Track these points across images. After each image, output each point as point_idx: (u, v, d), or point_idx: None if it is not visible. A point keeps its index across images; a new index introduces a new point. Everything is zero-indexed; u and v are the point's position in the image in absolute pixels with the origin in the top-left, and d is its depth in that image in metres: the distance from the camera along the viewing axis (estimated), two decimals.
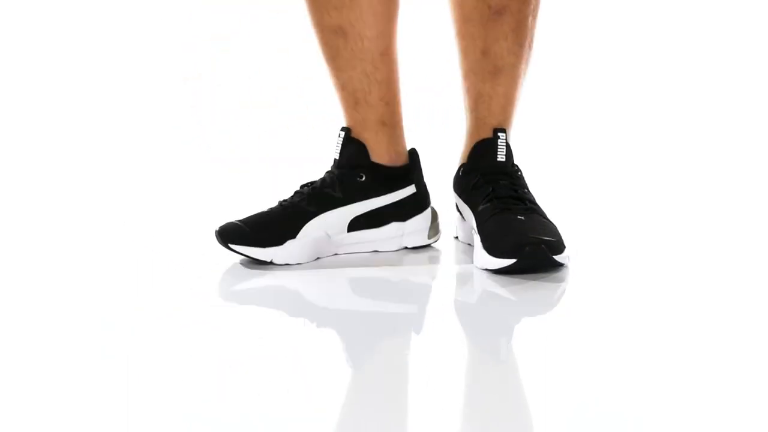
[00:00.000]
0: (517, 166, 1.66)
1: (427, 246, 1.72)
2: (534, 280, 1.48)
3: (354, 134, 1.67)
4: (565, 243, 1.51)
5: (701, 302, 1.43)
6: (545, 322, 1.37)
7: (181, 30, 2.92)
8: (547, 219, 1.57)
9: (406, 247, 1.70)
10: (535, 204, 1.59)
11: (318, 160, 2.30)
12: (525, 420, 1.07)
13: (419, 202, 1.70)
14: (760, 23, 2.82)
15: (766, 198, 2.03)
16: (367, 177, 1.66)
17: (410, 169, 1.70)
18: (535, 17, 1.63)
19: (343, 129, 1.68)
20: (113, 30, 2.90)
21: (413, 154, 1.70)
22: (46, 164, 2.36)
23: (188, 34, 2.91)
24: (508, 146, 1.64)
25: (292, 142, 2.54)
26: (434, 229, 1.72)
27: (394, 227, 1.68)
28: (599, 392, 1.13)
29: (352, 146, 1.66)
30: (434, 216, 1.72)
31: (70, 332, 1.34)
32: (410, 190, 1.69)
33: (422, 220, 1.70)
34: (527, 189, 1.63)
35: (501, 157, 1.63)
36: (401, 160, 1.69)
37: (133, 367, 1.21)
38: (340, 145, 1.68)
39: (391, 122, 1.67)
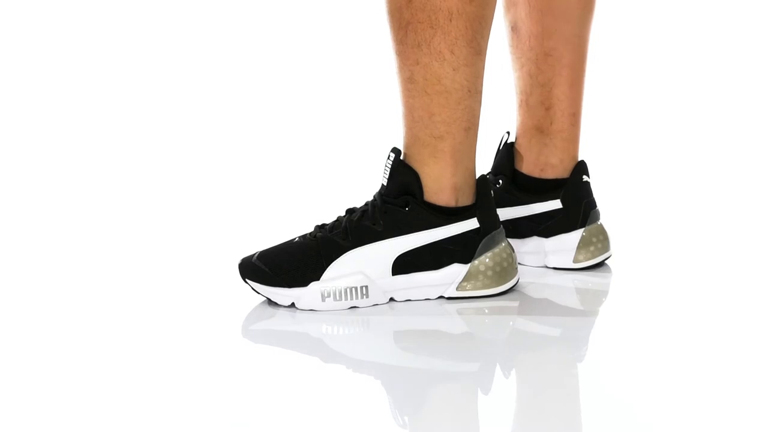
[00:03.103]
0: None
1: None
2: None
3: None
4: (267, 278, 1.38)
5: (700, 303, 1.43)
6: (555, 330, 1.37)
7: (182, 30, 2.91)
8: (304, 249, 1.38)
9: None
10: (332, 233, 1.39)
11: (319, 159, 2.30)
12: None
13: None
14: (760, 23, 2.82)
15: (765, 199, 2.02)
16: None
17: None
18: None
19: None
20: (113, 30, 2.90)
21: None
22: (44, 165, 2.35)
23: (188, 34, 2.91)
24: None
25: (292, 142, 2.54)
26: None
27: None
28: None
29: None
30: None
31: (69, 332, 1.34)
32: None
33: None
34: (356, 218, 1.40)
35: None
36: None
37: (132, 367, 1.21)
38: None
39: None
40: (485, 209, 1.40)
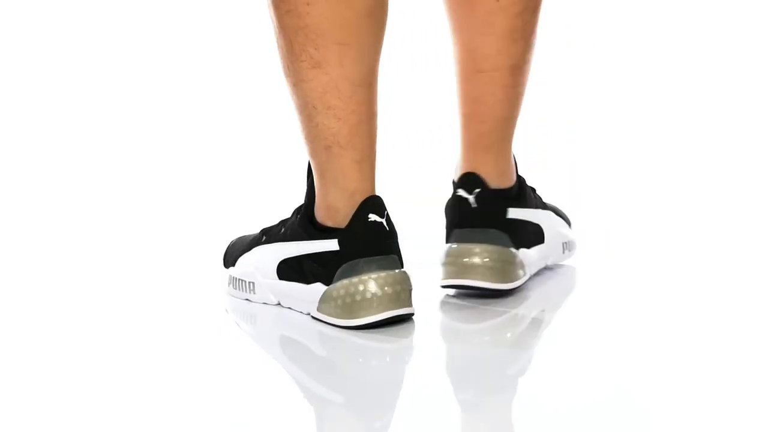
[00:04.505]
0: None
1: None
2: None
3: None
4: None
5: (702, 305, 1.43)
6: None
7: (181, 30, 2.90)
8: None
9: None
10: None
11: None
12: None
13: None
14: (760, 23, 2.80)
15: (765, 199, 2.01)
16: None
17: None
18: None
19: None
20: (112, 30, 2.88)
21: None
22: (43, 166, 2.34)
23: (188, 33, 2.89)
24: None
25: (290, 143, 2.52)
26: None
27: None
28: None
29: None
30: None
31: (54, 329, 1.34)
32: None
33: None
34: None
35: None
36: None
37: (131, 366, 1.22)
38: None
39: None
40: (354, 234, 1.28)
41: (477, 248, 1.34)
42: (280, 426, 1.05)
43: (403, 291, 1.28)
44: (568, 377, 1.16)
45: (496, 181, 1.37)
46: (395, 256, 1.29)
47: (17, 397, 1.13)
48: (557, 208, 1.53)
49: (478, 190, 1.36)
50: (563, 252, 1.48)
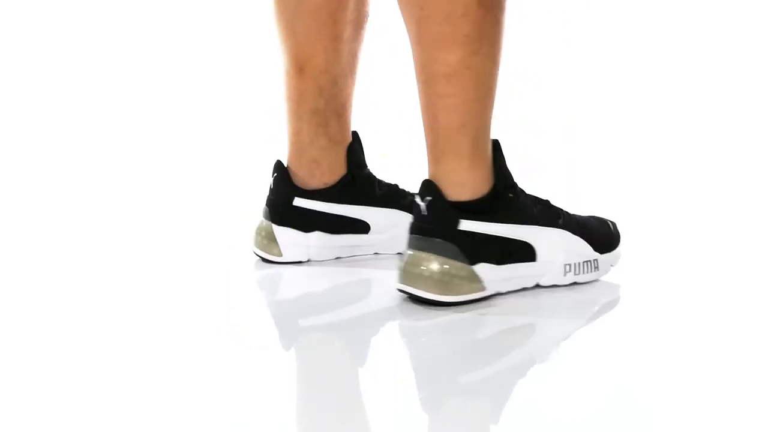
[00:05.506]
0: None
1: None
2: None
3: None
4: None
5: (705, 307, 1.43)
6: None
7: (181, 30, 2.92)
8: None
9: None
10: None
11: None
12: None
13: None
14: (760, 23, 2.82)
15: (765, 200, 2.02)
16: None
17: None
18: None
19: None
20: (112, 30, 2.90)
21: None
22: (43, 166, 2.35)
23: (188, 33, 2.91)
24: None
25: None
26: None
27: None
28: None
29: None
30: None
31: (64, 332, 1.34)
32: None
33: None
34: None
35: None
36: None
37: (133, 366, 1.22)
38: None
39: None
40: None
41: (422, 257, 1.36)
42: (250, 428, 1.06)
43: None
44: (564, 377, 1.18)
45: (453, 191, 1.37)
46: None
47: (17, 395, 1.13)
48: (590, 225, 1.48)
49: (428, 199, 1.37)
50: (564, 274, 1.45)
